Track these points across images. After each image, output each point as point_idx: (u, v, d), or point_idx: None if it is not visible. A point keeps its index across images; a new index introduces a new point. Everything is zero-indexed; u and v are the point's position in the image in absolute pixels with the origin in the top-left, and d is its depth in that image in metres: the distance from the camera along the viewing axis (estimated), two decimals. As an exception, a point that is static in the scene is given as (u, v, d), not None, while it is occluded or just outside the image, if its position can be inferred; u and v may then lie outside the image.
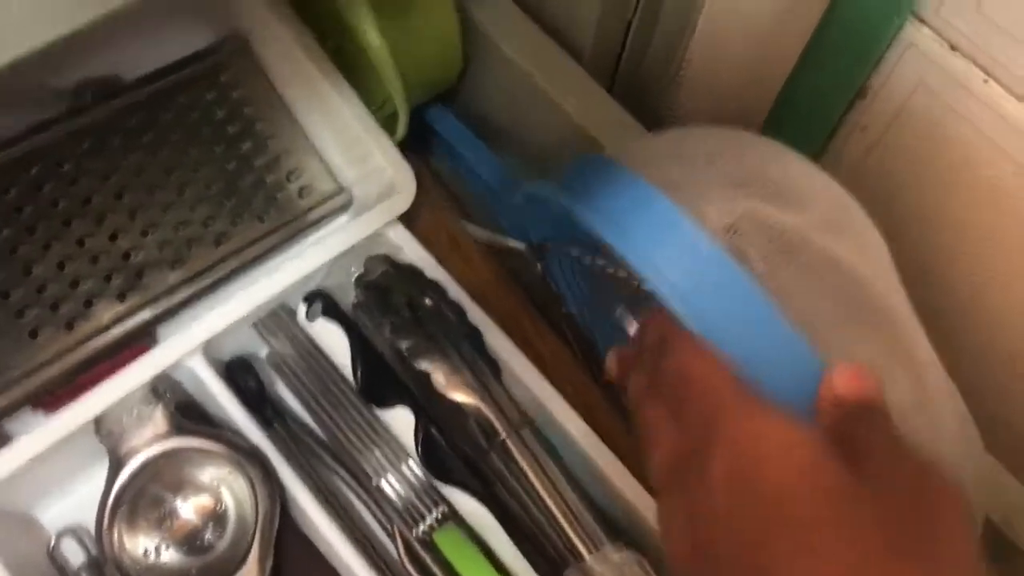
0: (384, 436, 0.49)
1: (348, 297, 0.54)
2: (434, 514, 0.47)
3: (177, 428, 0.47)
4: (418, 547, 0.47)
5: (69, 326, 0.47)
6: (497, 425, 0.47)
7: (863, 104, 0.47)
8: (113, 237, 0.49)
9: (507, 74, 0.52)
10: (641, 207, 0.33)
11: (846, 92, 0.45)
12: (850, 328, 0.32)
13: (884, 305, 0.34)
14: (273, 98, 0.55)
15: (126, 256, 0.50)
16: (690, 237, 0.33)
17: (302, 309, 0.52)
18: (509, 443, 0.47)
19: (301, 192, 0.54)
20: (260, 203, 0.53)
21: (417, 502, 0.48)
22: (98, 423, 0.47)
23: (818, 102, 0.47)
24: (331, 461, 0.51)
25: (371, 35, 0.49)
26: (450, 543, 0.45)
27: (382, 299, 0.51)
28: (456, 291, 0.52)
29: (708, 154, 0.36)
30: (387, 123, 0.54)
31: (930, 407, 0.33)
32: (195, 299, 0.51)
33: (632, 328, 0.45)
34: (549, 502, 0.46)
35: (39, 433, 0.46)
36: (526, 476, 0.47)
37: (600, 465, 0.49)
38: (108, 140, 0.51)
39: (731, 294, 0.31)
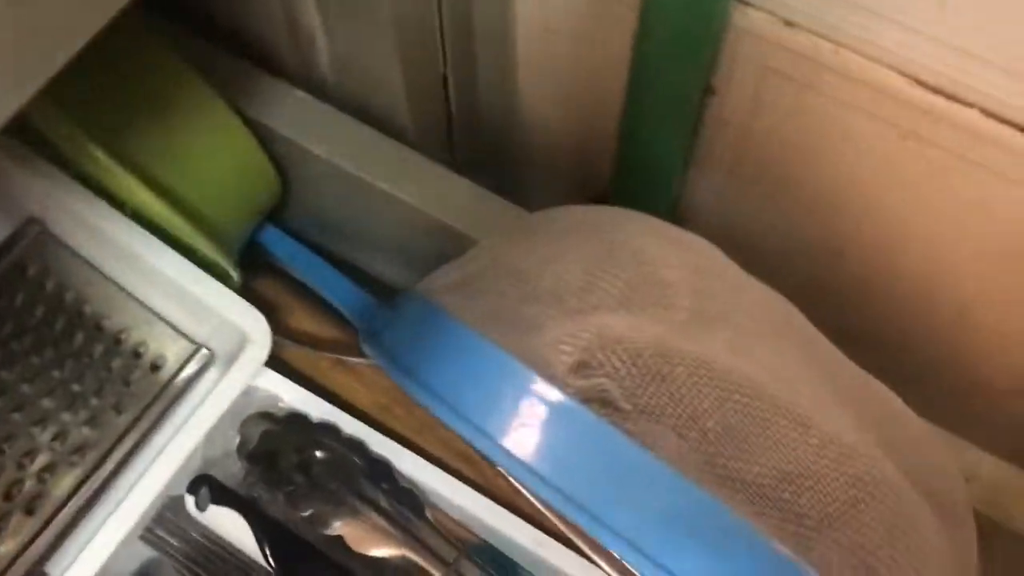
0: (318, 616, 0.44)
1: (230, 476, 0.48)
2: None
3: None
4: None
5: None
6: (431, 570, 0.42)
7: (716, 101, 0.42)
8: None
9: (331, 178, 0.46)
10: (470, 363, 0.28)
11: (690, 101, 0.40)
12: (747, 443, 0.27)
13: (787, 396, 0.29)
14: (93, 276, 0.49)
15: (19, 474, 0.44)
16: (532, 394, 0.29)
17: (190, 500, 0.46)
18: (448, 583, 0.42)
19: (154, 366, 0.48)
20: (113, 394, 0.47)
21: None
22: None
23: (664, 117, 0.42)
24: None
25: (144, 200, 0.44)
26: None
27: (269, 466, 0.45)
28: (352, 424, 0.47)
29: (550, 256, 0.31)
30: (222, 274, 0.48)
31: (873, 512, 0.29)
32: (67, 535, 0.45)
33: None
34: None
35: None
36: (480, 614, 0.42)
37: (557, 564, 0.44)
38: None
39: (596, 454, 0.26)
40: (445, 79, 0.46)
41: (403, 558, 0.42)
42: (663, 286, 0.32)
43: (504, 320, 0.31)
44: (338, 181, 0.45)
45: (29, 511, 0.44)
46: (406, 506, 0.44)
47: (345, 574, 0.43)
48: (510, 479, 0.42)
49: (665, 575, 0.26)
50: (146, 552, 0.46)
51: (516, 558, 0.45)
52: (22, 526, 0.44)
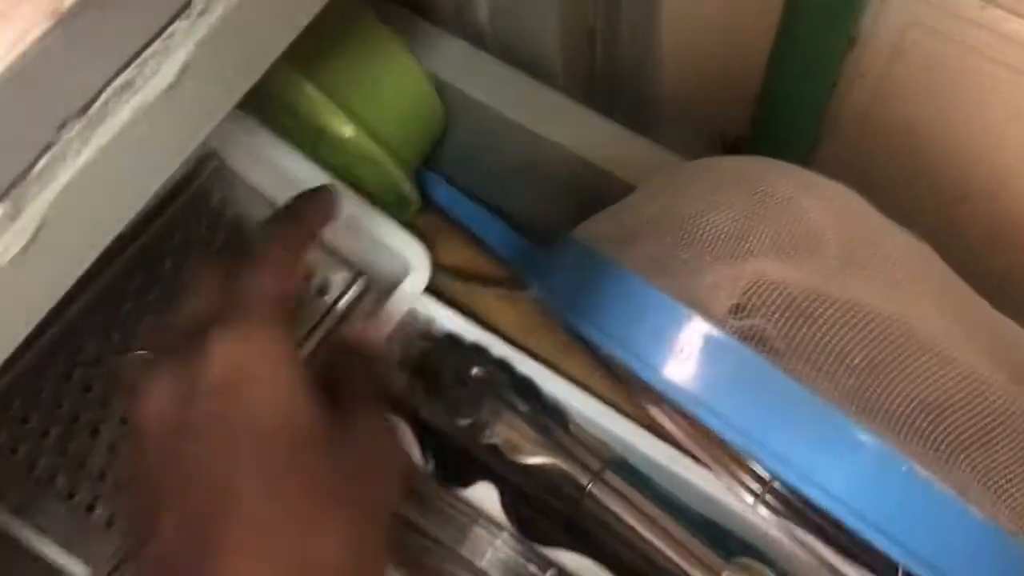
0: (474, 515, 0.49)
1: (396, 384, 0.54)
2: (546, 577, 0.48)
3: None
4: (533, 611, 0.48)
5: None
6: (577, 476, 0.47)
7: (854, 55, 0.44)
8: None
9: (488, 122, 0.50)
10: (635, 305, 0.32)
11: (834, 55, 0.43)
12: (891, 377, 0.31)
13: (927, 335, 0.32)
14: (266, 207, 0.54)
15: None
16: (694, 332, 0.33)
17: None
18: (594, 490, 0.47)
19: (320, 289, 0.54)
20: None
21: (526, 571, 0.48)
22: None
23: (808, 69, 0.44)
24: (434, 545, 0.51)
25: (343, 128, 0.48)
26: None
27: (430, 379, 0.50)
28: (500, 346, 0.52)
29: (704, 207, 0.35)
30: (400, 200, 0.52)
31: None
32: None
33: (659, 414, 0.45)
34: (652, 538, 0.46)
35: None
36: (620, 519, 0.47)
37: (691, 479, 0.48)
38: (119, 308, 0.50)
39: (757, 388, 0.30)
40: (592, 31, 0.49)
41: (553, 465, 0.47)
42: (812, 233, 0.35)
43: (664, 265, 0.35)
44: (495, 126, 0.49)
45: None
46: (552, 420, 0.49)
47: (499, 477, 0.49)
48: (654, 412, 0.46)
49: (816, 489, 0.31)
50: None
51: (651, 473, 0.49)
52: None
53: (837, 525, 0.39)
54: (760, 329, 0.33)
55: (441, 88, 0.50)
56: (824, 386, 0.32)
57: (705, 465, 0.45)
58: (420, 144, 0.52)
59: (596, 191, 0.47)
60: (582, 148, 0.47)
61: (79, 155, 0.23)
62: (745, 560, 0.46)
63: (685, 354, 0.32)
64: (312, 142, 0.51)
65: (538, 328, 0.54)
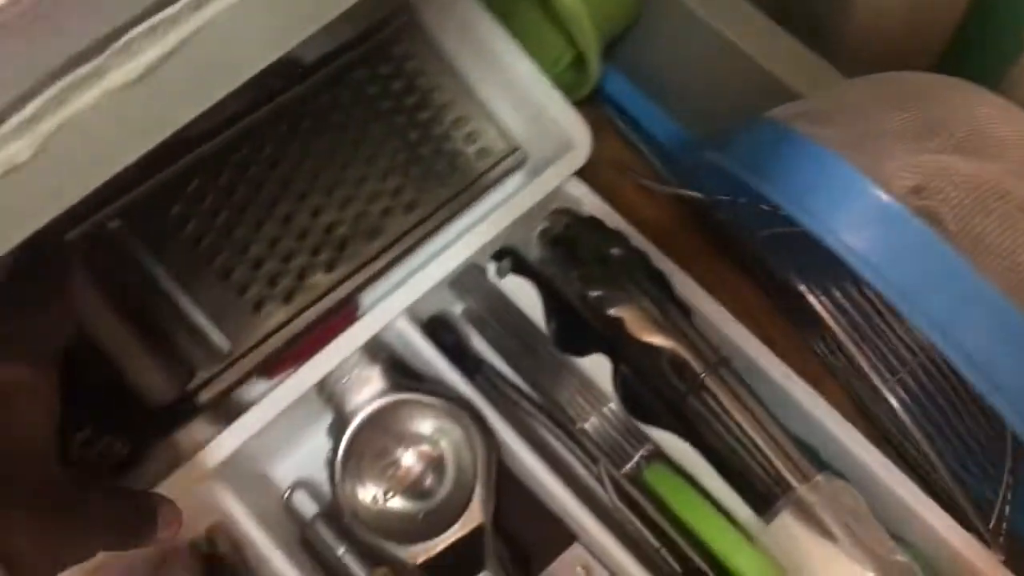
0: (583, 382, 0.51)
1: (531, 250, 0.56)
2: (640, 452, 0.50)
3: (394, 385, 0.51)
4: (627, 485, 0.49)
5: (287, 299, 0.51)
6: (694, 364, 0.49)
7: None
8: (315, 213, 0.52)
9: (680, 19, 0.52)
10: (821, 175, 0.34)
11: None
12: None
13: None
14: (445, 66, 0.57)
15: (329, 230, 0.53)
16: (874, 203, 0.34)
17: (491, 267, 0.55)
18: (708, 381, 0.49)
19: (479, 155, 0.56)
20: (442, 169, 0.56)
21: (623, 442, 0.50)
22: (321, 386, 0.51)
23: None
24: (532, 409, 0.54)
25: None
26: (660, 479, 0.48)
27: (568, 251, 0.53)
28: (638, 238, 0.54)
29: (891, 106, 0.37)
30: (559, 78, 0.55)
31: None
32: (393, 265, 0.54)
33: (812, 299, 0.46)
34: (754, 435, 0.47)
35: (270, 401, 0.50)
36: (728, 412, 0.48)
37: (799, 398, 0.50)
38: (299, 122, 0.54)
39: (924, 258, 0.32)
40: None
41: (671, 349, 0.49)
42: (996, 140, 0.37)
43: (851, 146, 0.37)
44: (686, 23, 0.51)
45: (371, 236, 0.53)
46: (678, 312, 0.51)
47: (614, 353, 0.51)
48: (806, 292, 0.47)
49: (962, 356, 0.32)
50: (447, 301, 0.56)
51: (757, 383, 0.51)
52: (366, 248, 0.53)
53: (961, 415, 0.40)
54: (935, 210, 0.34)
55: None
56: (990, 271, 0.33)
57: (847, 347, 0.46)
58: (613, 27, 0.54)
59: (767, 103, 0.49)
60: (770, 63, 0.49)
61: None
62: (834, 474, 0.48)
63: (864, 221, 0.34)
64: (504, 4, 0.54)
65: (677, 232, 0.57)
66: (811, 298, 0.44)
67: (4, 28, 0.23)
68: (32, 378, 0.37)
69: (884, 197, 0.34)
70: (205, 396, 0.48)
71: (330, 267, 0.52)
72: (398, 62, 0.57)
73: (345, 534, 0.52)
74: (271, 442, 0.54)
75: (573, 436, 0.51)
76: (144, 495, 0.46)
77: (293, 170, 0.53)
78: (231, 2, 0.26)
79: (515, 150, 0.57)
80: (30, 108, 0.25)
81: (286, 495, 0.55)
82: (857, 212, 0.35)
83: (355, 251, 0.53)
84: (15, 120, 0.25)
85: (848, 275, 0.43)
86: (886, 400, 0.44)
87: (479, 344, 0.56)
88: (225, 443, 0.49)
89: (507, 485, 0.51)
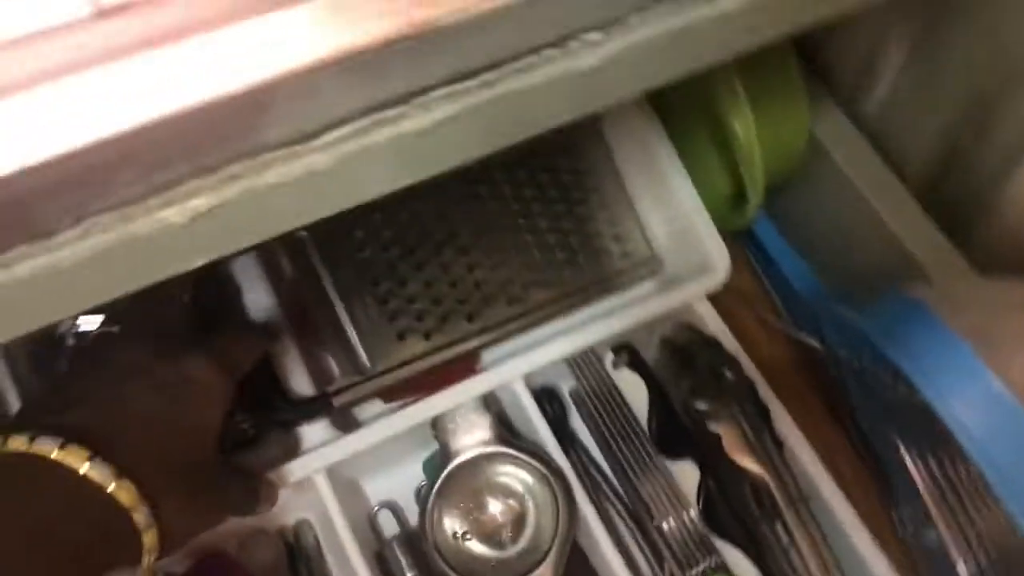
0: (669, 483, 0.55)
1: (647, 350, 0.61)
2: (708, 563, 0.53)
3: (498, 437, 0.55)
4: (687, 588, 0.53)
5: (427, 336, 0.56)
6: (777, 496, 0.52)
7: None
8: (471, 268, 0.58)
9: (833, 185, 0.57)
10: (948, 356, 0.38)
11: None
12: None
13: None
14: (612, 171, 0.63)
15: (478, 286, 0.58)
16: (990, 387, 0.38)
17: (609, 356, 0.60)
18: (787, 515, 0.52)
19: (622, 255, 0.62)
20: (585, 259, 0.61)
21: (693, 549, 0.53)
22: (435, 422, 0.56)
23: None
24: (613, 496, 0.57)
25: (742, 126, 0.55)
26: (723, 591, 0.51)
27: (683, 361, 0.57)
28: (749, 367, 0.58)
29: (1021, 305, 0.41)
30: (716, 207, 0.60)
31: None
32: (522, 331, 0.59)
33: (908, 459, 0.49)
34: (816, 574, 0.50)
35: (388, 422, 0.55)
36: (797, 547, 0.51)
37: (869, 562, 0.52)
38: (476, 187, 0.60)
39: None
40: (956, 149, 0.55)
41: (758, 476, 0.53)
42: None
43: (980, 334, 0.41)
44: (837, 190, 0.56)
45: (510, 302, 0.58)
46: (775, 447, 0.54)
47: (704, 464, 0.55)
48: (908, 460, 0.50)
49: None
50: (559, 375, 0.61)
51: (827, 526, 0.54)
52: (502, 310, 0.58)
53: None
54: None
55: (818, 149, 0.58)
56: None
57: (928, 508, 0.49)
58: (775, 177, 0.59)
59: (894, 273, 0.53)
60: (908, 240, 0.53)
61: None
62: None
63: (979, 403, 0.38)
64: (698, 131, 0.60)
65: (784, 371, 0.61)
66: (907, 457, 0.47)
67: (348, 70, 0.29)
68: (218, 384, 0.44)
69: (1002, 388, 0.38)
70: (337, 401, 0.54)
71: (471, 318, 0.57)
72: (574, 159, 0.63)
73: (417, 561, 0.56)
74: (374, 459, 0.59)
75: (646, 531, 0.55)
76: (252, 474, 0.51)
77: (461, 226, 0.59)
78: (512, 88, 0.32)
79: (653, 259, 0.62)
80: (342, 131, 0.31)
81: (374, 511, 0.60)
82: (975, 394, 0.38)
83: (495, 311, 0.58)
84: (327, 137, 0.31)
85: (945, 450, 0.47)
86: (954, 570, 0.46)
87: (578, 423, 0.61)
88: (340, 448, 0.54)
89: (575, 559, 0.55)
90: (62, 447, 0.37)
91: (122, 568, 0.39)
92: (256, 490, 0.50)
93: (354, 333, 0.55)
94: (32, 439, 0.37)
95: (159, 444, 0.41)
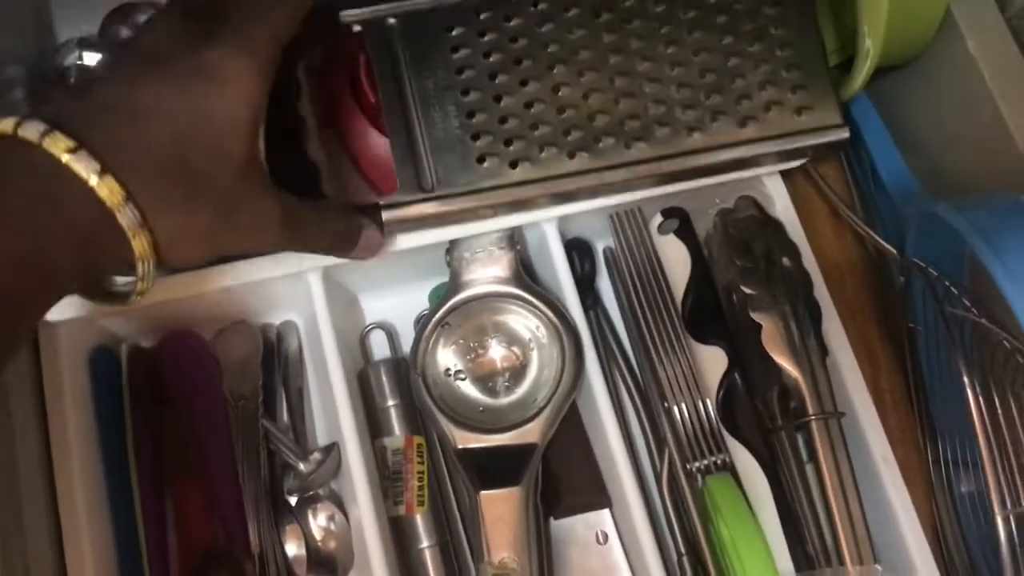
0: (691, 367, 0.49)
1: (699, 220, 0.54)
2: (713, 458, 0.48)
3: (516, 278, 0.50)
4: (682, 475, 0.48)
5: (513, 164, 0.48)
6: (809, 404, 0.46)
7: None
8: (586, 95, 0.48)
9: (957, 75, 0.49)
10: None
11: None
12: None
13: None
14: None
15: (591, 117, 0.48)
16: None
17: (657, 219, 0.53)
18: (814, 426, 0.46)
19: (799, 111, 0.49)
20: (748, 109, 0.49)
21: (701, 441, 0.48)
22: (453, 246, 0.50)
23: None
24: (625, 367, 0.52)
25: None
26: (723, 488, 0.46)
27: (740, 240, 0.51)
28: (809, 262, 0.51)
29: None
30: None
31: None
32: (625, 187, 0.49)
33: (969, 391, 0.43)
34: (832, 498, 0.45)
35: (399, 236, 0.49)
36: (818, 464, 0.46)
37: (889, 490, 0.47)
38: (618, 1, 0.49)
39: None
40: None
41: (793, 380, 0.47)
42: None
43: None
44: (963, 83, 0.49)
45: (629, 143, 0.48)
46: (818, 353, 0.48)
47: (734, 355, 0.49)
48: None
49: None
50: (595, 229, 0.54)
51: (854, 450, 0.48)
52: (603, 153, 0.48)
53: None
54: None
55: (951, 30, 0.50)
56: None
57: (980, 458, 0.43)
58: (896, 49, 0.50)
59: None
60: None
61: None
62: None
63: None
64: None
65: (846, 276, 0.54)
66: (967, 386, 0.41)
67: None
68: (242, 74, 0.37)
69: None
70: (387, 215, 0.46)
71: (572, 154, 0.48)
72: None
73: (400, 390, 0.52)
74: (379, 275, 0.53)
75: (653, 411, 0.50)
76: (356, 214, 0.46)
77: (586, 43, 0.49)
78: None
79: (840, 126, 0.49)
80: None
81: (366, 328, 0.55)
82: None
83: (606, 150, 0.48)
84: None
85: (1010, 385, 0.41)
86: (987, 524, 0.41)
87: (605, 285, 0.55)
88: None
89: (570, 423, 0.50)
90: (46, 133, 0.33)
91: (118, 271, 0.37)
92: (358, 231, 0.46)
93: (425, 143, 0.47)
94: (19, 124, 0.33)
95: (168, 146, 0.35)
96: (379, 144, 0.52)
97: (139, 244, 0.35)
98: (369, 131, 0.52)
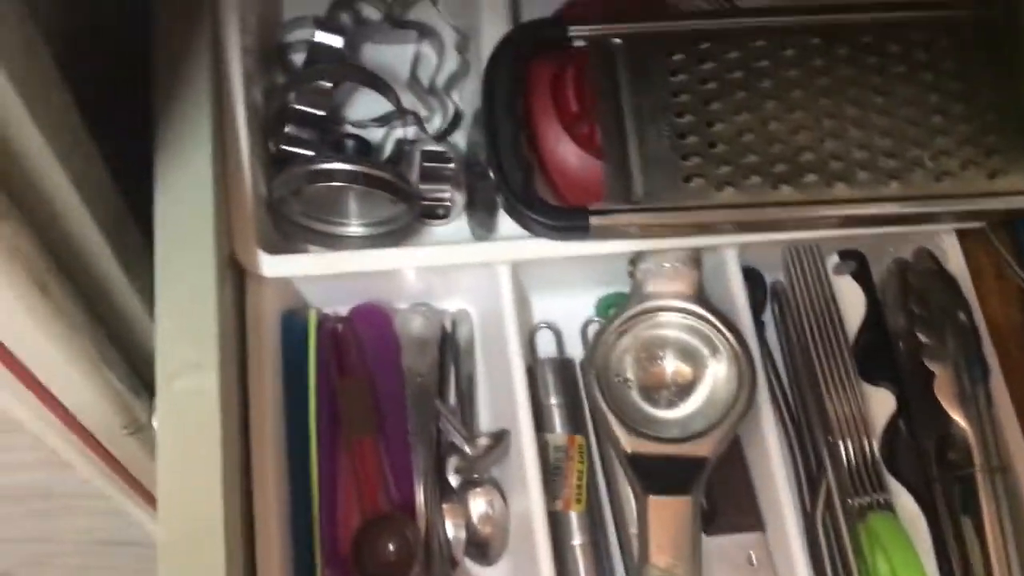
0: (858, 406, 0.50)
1: (874, 265, 0.55)
2: (875, 497, 0.49)
3: (699, 297, 0.51)
4: (839, 509, 0.49)
5: (719, 187, 0.50)
6: (976, 455, 0.48)
7: None
8: (795, 131, 0.50)
9: None
10: None
11: None
12: None
13: None
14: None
15: (797, 153, 0.50)
16: None
17: (833, 259, 0.55)
18: (979, 478, 0.47)
19: (993, 174, 0.51)
20: (946, 165, 0.51)
21: (864, 478, 0.49)
22: (638, 258, 0.52)
23: None
24: (781, 397, 0.54)
25: None
26: (888, 528, 0.47)
27: (918, 289, 0.52)
28: (979, 320, 0.53)
29: None
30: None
31: None
32: (826, 224, 0.51)
33: None
34: (992, 552, 0.46)
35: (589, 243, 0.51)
36: (978, 516, 0.47)
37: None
38: (836, 45, 0.52)
39: None
40: None
41: (961, 430, 0.48)
42: None
43: None
44: None
45: (830, 182, 0.49)
46: (985, 407, 0.49)
47: (902, 399, 0.51)
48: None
49: None
50: (768, 261, 0.55)
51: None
52: (806, 188, 0.49)
53: None
54: None
55: None
56: None
57: None
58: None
59: None
60: None
61: None
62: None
63: None
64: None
65: (1012, 337, 0.55)
66: None
67: None
68: None
69: None
70: (595, 221, 0.49)
71: (776, 184, 0.49)
72: (960, 44, 0.53)
73: (564, 390, 0.53)
74: (555, 276, 0.56)
75: (816, 444, 0.51)
76: None
77: (799, 82, 0.51)
78: None
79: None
80: None
81: (537, 327, 0.57)
82: None
83: (809, 186, 0.49)
84: None
85: None
86: None
87: (767, 316, 0.57)
88: (533, 248, 0.51)
89: (732, 443, 0.51)
90: None
91: None
92: None
93: (637, 157, 0.50)
94: None
95: None
96: (569, 152, 0.54)
97: None
98: (563, 139, 0.54)
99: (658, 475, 0.48)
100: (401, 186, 0.52)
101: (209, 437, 0.43)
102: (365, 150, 0.55)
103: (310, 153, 0.54)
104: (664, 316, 0.51)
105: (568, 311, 0.58)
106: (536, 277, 0.55)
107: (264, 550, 0.46)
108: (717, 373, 0.51)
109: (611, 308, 0.56)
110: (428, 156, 0.55)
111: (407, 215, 0.53)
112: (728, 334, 0.50)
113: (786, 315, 0.55)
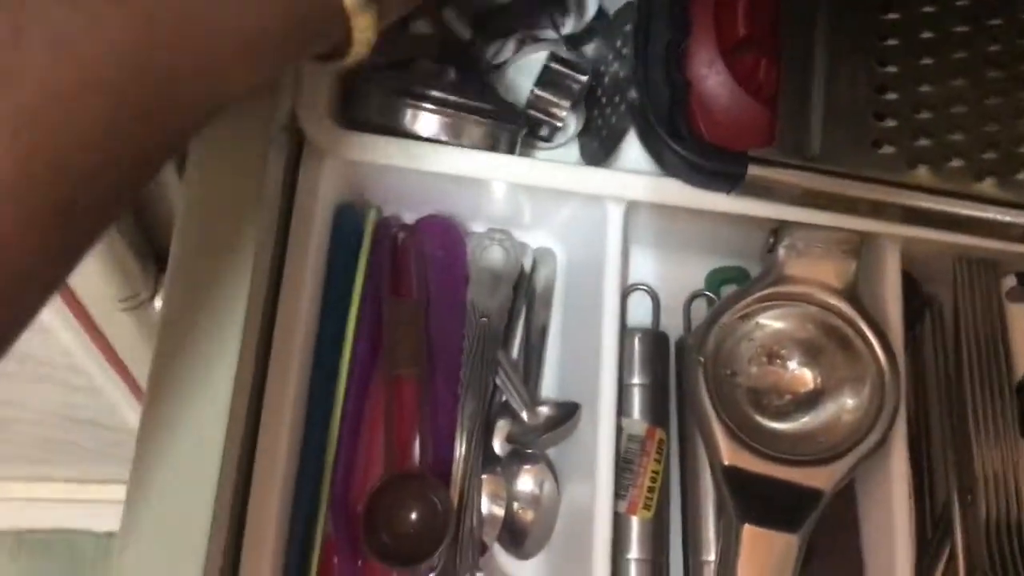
0: (1014, 463, 0.41)
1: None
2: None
3: (851, 294, 0.41)
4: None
5: (910, 162, 0.40)
6: None
7: None
8: (1019, 115, 0.41)
9: None
10: None
11: None
12: None
13: None
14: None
15: (1017, 142, 0.41)
16: None
17: (1011, 281, 0.45)
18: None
19: None
20: None
21: (1007, 550, 0.39)
22: (784, 229, 0.42)
23: None
24: (923, 434, 0.44)
25: None
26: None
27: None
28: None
29: None
30: None
31: None
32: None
33: None
34: None
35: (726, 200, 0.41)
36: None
37: None
38: None
39: None
40: None
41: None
42: None
43: None
44: None
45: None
46: None
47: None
48: None
49: None
50: (934, 272, 0.45)
51: None
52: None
53: None
54: None
55: None
56: None
57: None
58: None
59: None
60: None
61: None
62: None
63: None
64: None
65: None
66: None
67: None
68: None
69: None
70: (754, 170, 0.39)
71: (980, 175, 0.40)
72: None
73: (652, 369, 0.44)
74: (662, 231, 0.46)
75: (947, 501, 0.42)
76: None
77: None
78: None
79: None
80: None
81: (629, 287, 0.47)
82: None
83: (1020, 184, 0.40)
84: None
85: None
86: None
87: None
88: (657, 189, 0.41)
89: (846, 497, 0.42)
90: None
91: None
92: None
93: (820, 104, 0.40)
94: None
95: None
96: (722, 84, 0.44)
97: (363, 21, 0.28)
98: (717, 65, 0.44)
99: (759, 500, 0.39)
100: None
101: (223, 328, 0.34)
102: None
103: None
104: (801, 307, 0.41)
105: (672, 277, 0.48)
106: (645, 228, 0.45)
107: (261, 485, 0.36)
108: (852, 390, 0.41)
109: (726, 284, 0.47)
110: (557, 59, 0.45)
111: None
112: (877, 346, 0.40)
113: (937, 336, 0.45)
